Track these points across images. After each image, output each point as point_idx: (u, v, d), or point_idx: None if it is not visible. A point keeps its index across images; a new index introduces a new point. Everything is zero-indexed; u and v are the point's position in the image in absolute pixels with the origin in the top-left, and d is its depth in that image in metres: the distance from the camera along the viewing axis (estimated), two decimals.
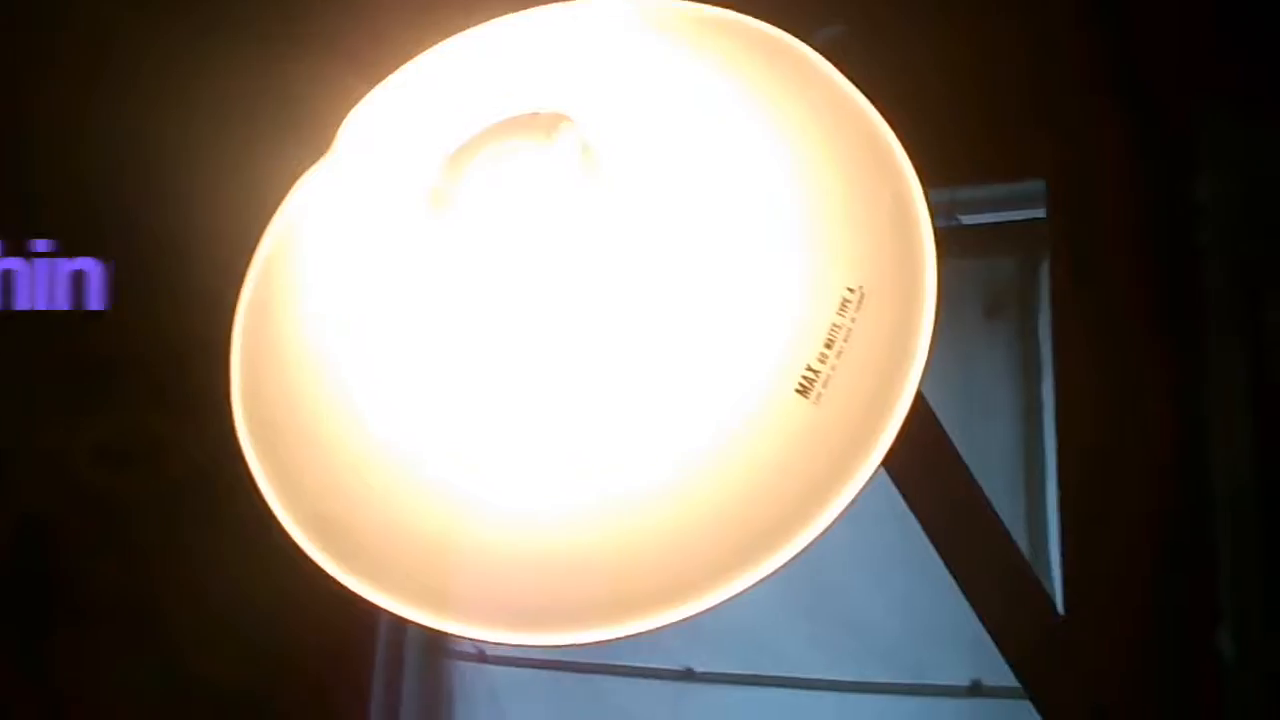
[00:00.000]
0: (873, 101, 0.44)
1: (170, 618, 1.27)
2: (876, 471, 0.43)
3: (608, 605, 0.42)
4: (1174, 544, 1.08)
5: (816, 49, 0.44)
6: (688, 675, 1.31)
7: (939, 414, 0.58)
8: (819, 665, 1.28)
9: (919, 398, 0.54)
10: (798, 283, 0.43)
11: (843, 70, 0.44)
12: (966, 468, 0.60)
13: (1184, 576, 1.06)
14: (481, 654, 1.41)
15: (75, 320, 1.19)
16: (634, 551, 0.43)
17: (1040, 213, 1.20)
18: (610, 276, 0.45)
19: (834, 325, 0.42)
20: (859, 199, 0.44)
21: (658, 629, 0.43)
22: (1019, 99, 1.16)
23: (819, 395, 0.42)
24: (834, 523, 0.42)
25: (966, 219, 1.24)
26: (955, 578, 0.62)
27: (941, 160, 1.17)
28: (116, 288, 1.24)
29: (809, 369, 0.42)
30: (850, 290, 0.42)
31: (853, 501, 0.42)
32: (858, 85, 0.44)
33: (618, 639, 0.43)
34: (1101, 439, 1.13)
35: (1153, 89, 1.12)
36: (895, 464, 0.58)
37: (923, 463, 0.58)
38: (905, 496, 0.60)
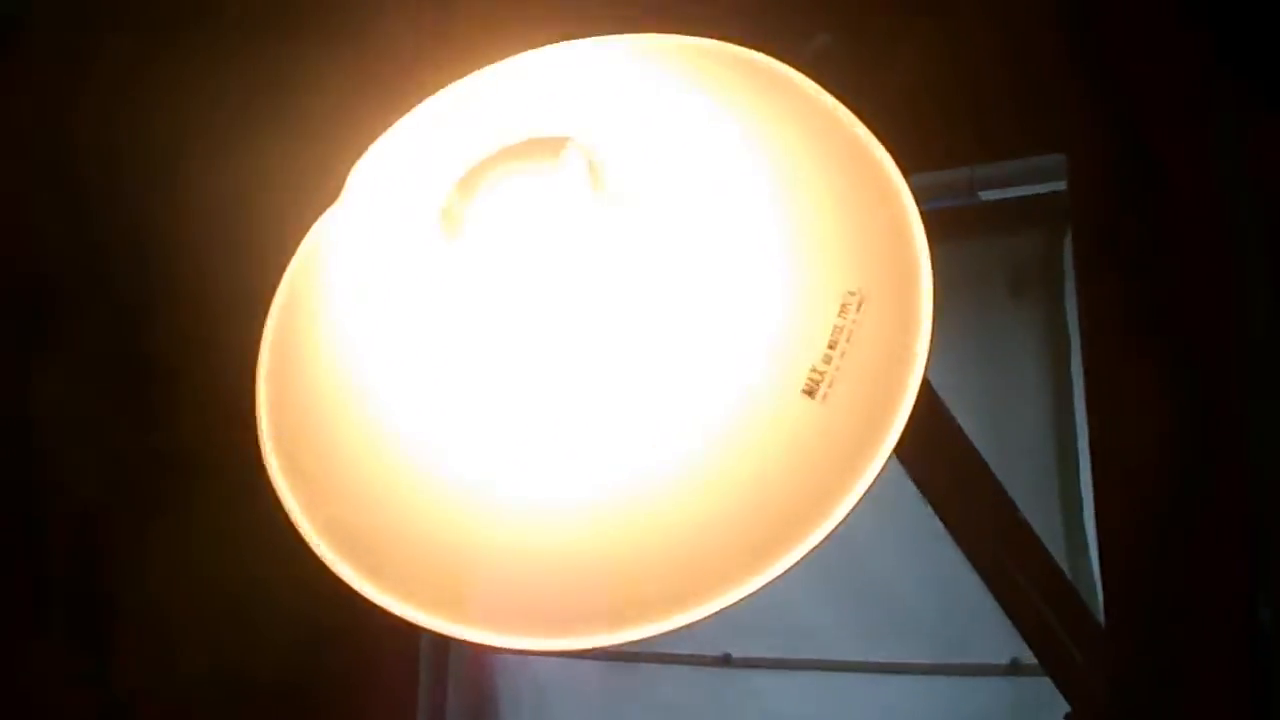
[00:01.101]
0: (864, 103, 0.46)
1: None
2: (885, 466, 0.44)
3: (621, 608, 0.44)
4: (1211, 527, 1.06)
5: (806, 61, 0.46)
6: (725, 661, 1.33)
7: (968, 399, 0.59)
8: (857, 647, 1.29)
9: (932, 397, 0.55)
10: (798, 290, 0.45)
11: (832, 78, 0.46)
12: (991, 471, 0.61)
13: (1221, 557, 1.05)
14: None
15: None
16: (647, 553, 0.45)
17: (1061, 186, 1.20)
18: (619, 288, 0.46)
19: (836, 327, 0.44)
20: (851, 207, 0.46)
21: (672, 631, 0.44)
22: (1032, 73, 1.16)
23: (825, 395, 0.44)
24: (846, 518, 0.43)
25: (986, 195, 1.24)
26: (984, 580, 0.62)
27: (959, 139, 1.16)
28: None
29: (814, 370, 0.44)
30: (850, 294, 0.44)
31: (862, 497, 0.44)
32: (850, 88, 0.46)
33: (630, 641, 0.44)
34: (1135, 418, 1.12)
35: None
36: (926, 479, 0.59)
37: (949, 474, 0.60)
38: (933, 506, 0.60)
